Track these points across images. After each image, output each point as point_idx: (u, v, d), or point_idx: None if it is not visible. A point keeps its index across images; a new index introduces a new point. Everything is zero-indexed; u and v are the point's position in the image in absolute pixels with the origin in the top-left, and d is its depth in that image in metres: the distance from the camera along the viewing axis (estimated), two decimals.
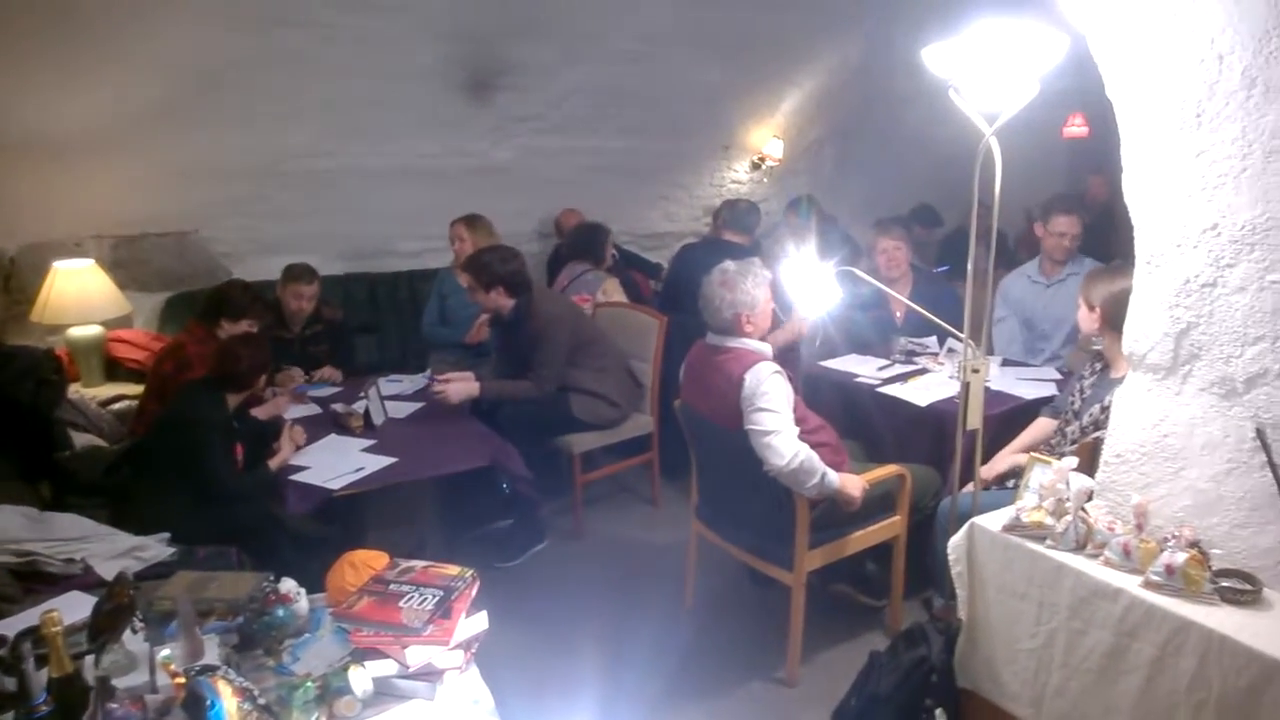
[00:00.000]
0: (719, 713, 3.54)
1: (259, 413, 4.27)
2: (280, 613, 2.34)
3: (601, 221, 6.41)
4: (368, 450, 4.12)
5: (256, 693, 2.00)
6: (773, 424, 3.37)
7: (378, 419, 4.44)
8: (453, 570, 2.53)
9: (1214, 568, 2.40)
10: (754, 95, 7.93)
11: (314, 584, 2.54)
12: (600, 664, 3.76)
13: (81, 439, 4.47)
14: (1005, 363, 4.79)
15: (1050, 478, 2.73)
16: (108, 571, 2.98)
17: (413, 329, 6.22)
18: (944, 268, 6.92)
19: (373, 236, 6.92)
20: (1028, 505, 2.75)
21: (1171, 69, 2.34)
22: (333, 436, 4.30)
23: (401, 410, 4.69)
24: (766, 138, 8.37)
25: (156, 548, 3.30)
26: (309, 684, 2.10)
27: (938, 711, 2.94)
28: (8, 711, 1.99)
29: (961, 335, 3.07)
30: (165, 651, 2.16)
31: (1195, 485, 2.52)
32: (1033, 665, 2.74)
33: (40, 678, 1.99)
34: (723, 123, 8.06)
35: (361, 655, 2.22)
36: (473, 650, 2.34)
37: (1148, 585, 2.40)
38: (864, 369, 4.77)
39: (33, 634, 2.10)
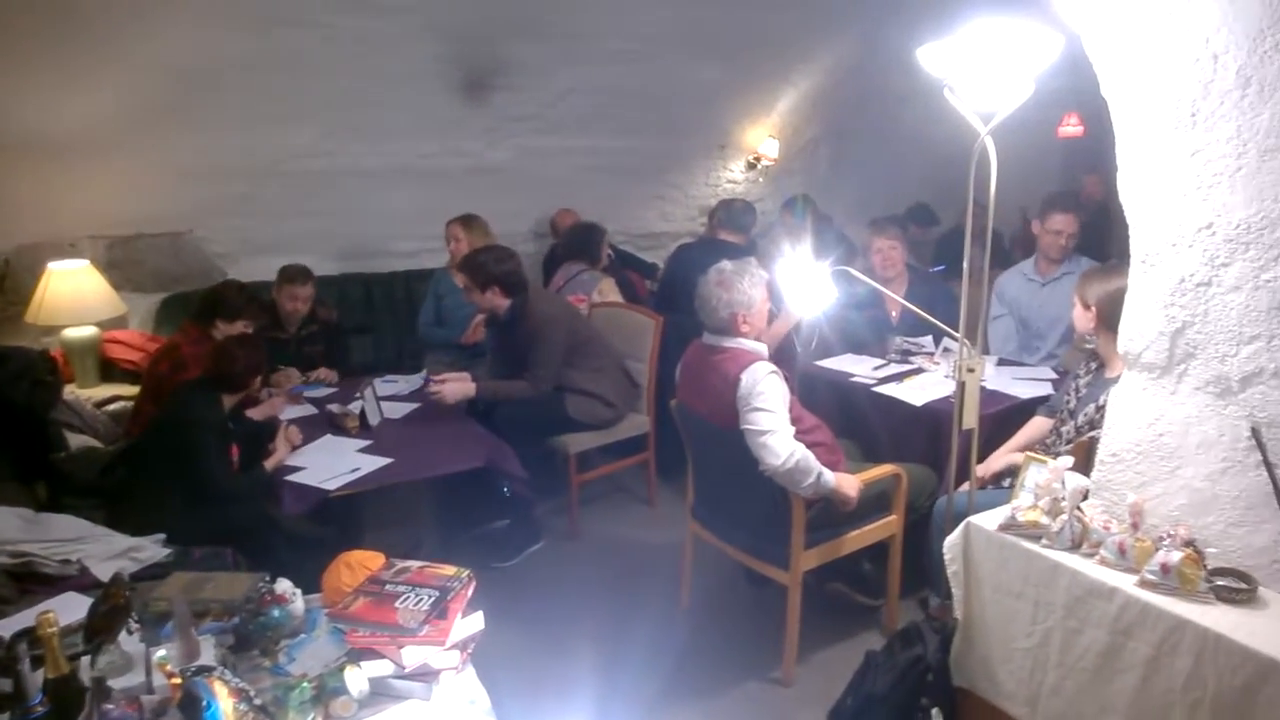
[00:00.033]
0: (715, 713, 3.54)
1: (254, 413, 4.26)
2: (276, 613, 2.34)
3: (597, 221, 6.40)
4: (363, 451, 4.12)
5: (252, 693, 2.00)
6: (768, 424, 3.37)
7: (373, 419, 4.44)
8: (449, 570, 2.53)
9: (1209, 566, 2.41)
10: (749, 95, 7.94)
11: (310, 584, 2.54)
12: (596, 664, 3.76)
13: (77, 440, 4.46)
14: (1001, 362, 4.79)
15: (1046, 477, 2.74)
16: (103, 572, 2.97)
17: (408, 329, 6.22)
18: (940, 267, 6.93)
19: (368, 236, 6.92)
20: (1023, 504, 2.75)
21: (1166, 68, 2.34)
22: (328, 437, 4.29)
23: (397, 411, 4.69)
24: (762, 137, 8.37)
25: (152, 549, 3.29)
26: (305, 684, 2.10)
27: (934, 711, 2.94)
28: (4, 712, 1.98)
29: (957, 335, 3.07)
30: (161, 652, 2.16)
31: (1190, 484, 2.52)
32: (1028, 664, 2.74)
33: (36, 678, 1.99)
34: (718, 122, 8.06)
35: (357, 655, 2.22)
36: (469, 650, 2.34)
37: (1143, 584, 2.40)
38: (859, 368, 4.77)
39: (28, 635, 2.10)
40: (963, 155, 2.93)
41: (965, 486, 3.28)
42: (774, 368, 3.49)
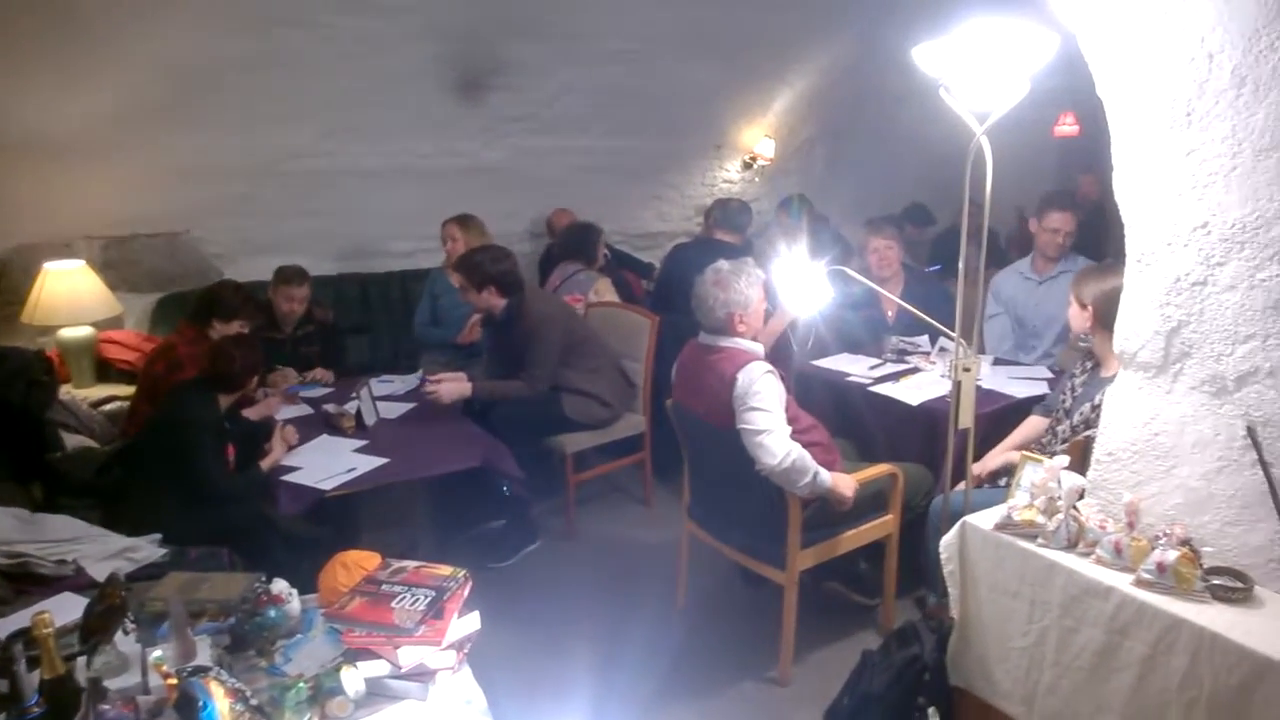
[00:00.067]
0: (711, 713, 3.54)
1: (250, 413, 4.26)
2: (272, 613, 2.34)
3: (593, 221, 6.40)
4: (359, 451, 4.12)
5: (249, 693, 2.00)
6: (765, 423, 3.37)
7: (369, 419, 4.44)
8: (445, 570, 2.53)
9: (1205, 565, 2.41)
10: (745, 95, 7.94)
11: (306, 585, 2.54)
12: (592, 664, 3.76)
13: (73, 440, 4.46)
14: (997, 361, 4.80)
15: (1042, 476, 2.74)
16: (99, 573, 2.97)
17: (404, 329, 6.21)
18: (936, 267, 6.93)
19: (365, 236, 6.91)
20: (1019, 504, 2.75)
21: (1161, 68, 2.34)
22: (324, 437, 4.29)
23: (393, 411, 4.68)
24: (758, 137, 8.38)
25: (148, 549, 3.29)
26: (301, 685, 2.10)
27: (930, 710, 2.94)
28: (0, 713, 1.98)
29: (953, 334, 3.07)
30: (157, 653, 2.16)
31: (1186, 483, 2.52)
32: (1025, 663, 2.74)
33: (32, 679, 1.99)
34: (714, 122, 8.06)
35: (354, 656, 2.22)
36: (465, 651, 2.34)
37: (1139, 583, 2.40)
38: (856, 368, 4.78)
39: (24, 635, 2.10)
40: (958, 155, 2.93)
41: (961, 486, 3.28)
42: (770, 367, 3.49)
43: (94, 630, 2.25)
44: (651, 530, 4.98)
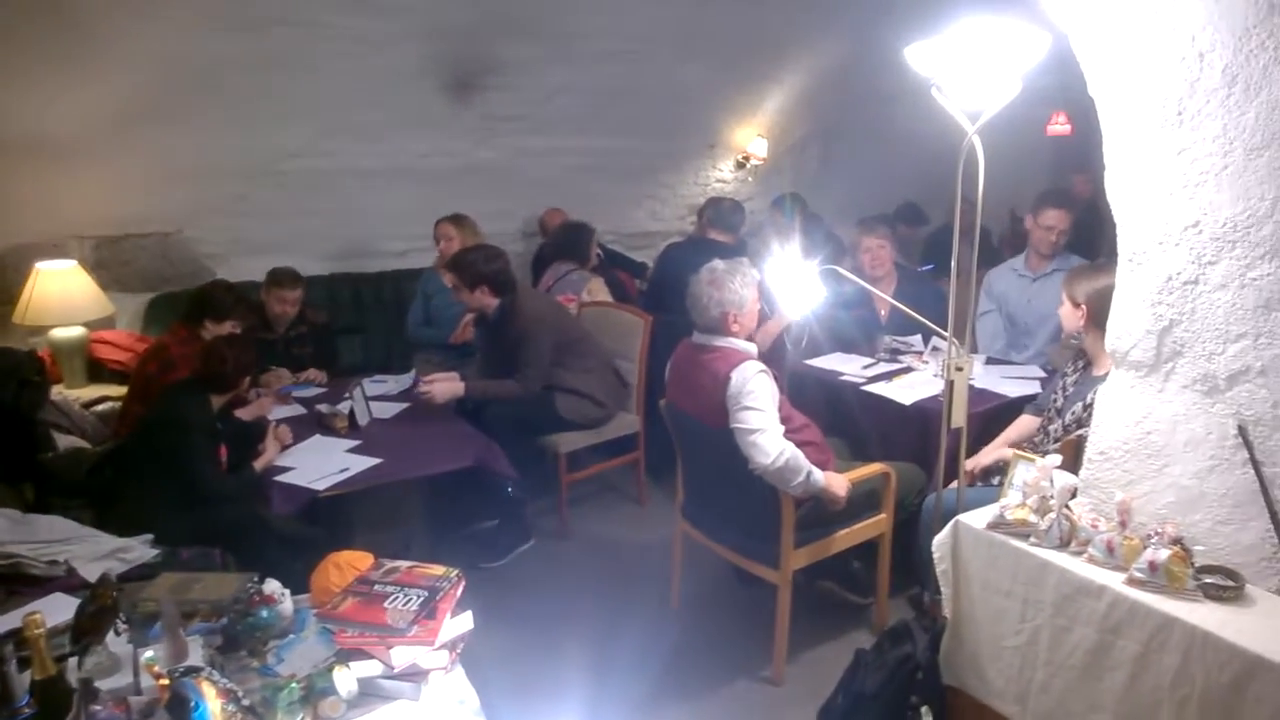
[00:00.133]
0: (705, 712, 3.54)
1: (243, 414, 4.26)
2: (264, 614, 2.34)
3: (586, 221, 6.40)
4: (352, 451, 4.11)
5: (241, 694, 1.99)
6: (758, 422, 3.37)
7: (362, 419, 4.43)
8: (437, 570, 2.53)
9: (1197, 564, 2.41)
10: (738, 94, 7.94)
11: (298, 585, 2.53)
12: (586, 664, 3.75)
13: (65, 440, 4.45)
14: (989, 361, 4.80)
15: (1034, 475, 2.74)
16: (91, 573, 2.97)
17: (397, 329, 6.21)
18: (929, 266, 6.94)
19: (357, 237, 6.89)
20: (1012, 503, 2.76)
21: (1153, 67, 2.35)
22: (317, 437, 4.29)
23: (386, 411, 4.68)
24: (751, 136, 8.38)
25: (140, 549, 3.28)
26: (294, 685, 2.09)
27: (923, 709, 2.95)
28: None
29: (945, 333, 3.08)
30: (149, 653, 2.15)
31: (1178, 482, 2.53)
32: (1017, 662, 2.74)
33: (23, 680, 1.98)
34: (707, 122, 8.06)
35: (346, 656, 2.22)
36: (458, 650, 2.34)
37: (1131, 582, 2.41)
38: (849, 367, 4.78)
39: (15, 636, 2.10)
40: (951, 154, 2.93)
41: (954, 485, 3.29)
42: (763, 367, 3.49)
43: (85, 631, 2.25)
44: (645, 530, 4.98)
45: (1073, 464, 2.82)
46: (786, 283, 3.42)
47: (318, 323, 5.45)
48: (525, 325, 4.71)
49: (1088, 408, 3.27)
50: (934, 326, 3.34)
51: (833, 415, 4.49)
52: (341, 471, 3.89)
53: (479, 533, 4.78)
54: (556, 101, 6.85)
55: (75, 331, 5.22)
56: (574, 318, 5.34)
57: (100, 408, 4.96)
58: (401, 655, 2.24)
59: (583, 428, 4.95)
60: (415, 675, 2.22)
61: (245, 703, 1.98)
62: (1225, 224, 2.31)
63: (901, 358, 4.83)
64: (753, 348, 3.60)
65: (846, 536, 3.73)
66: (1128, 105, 2.44)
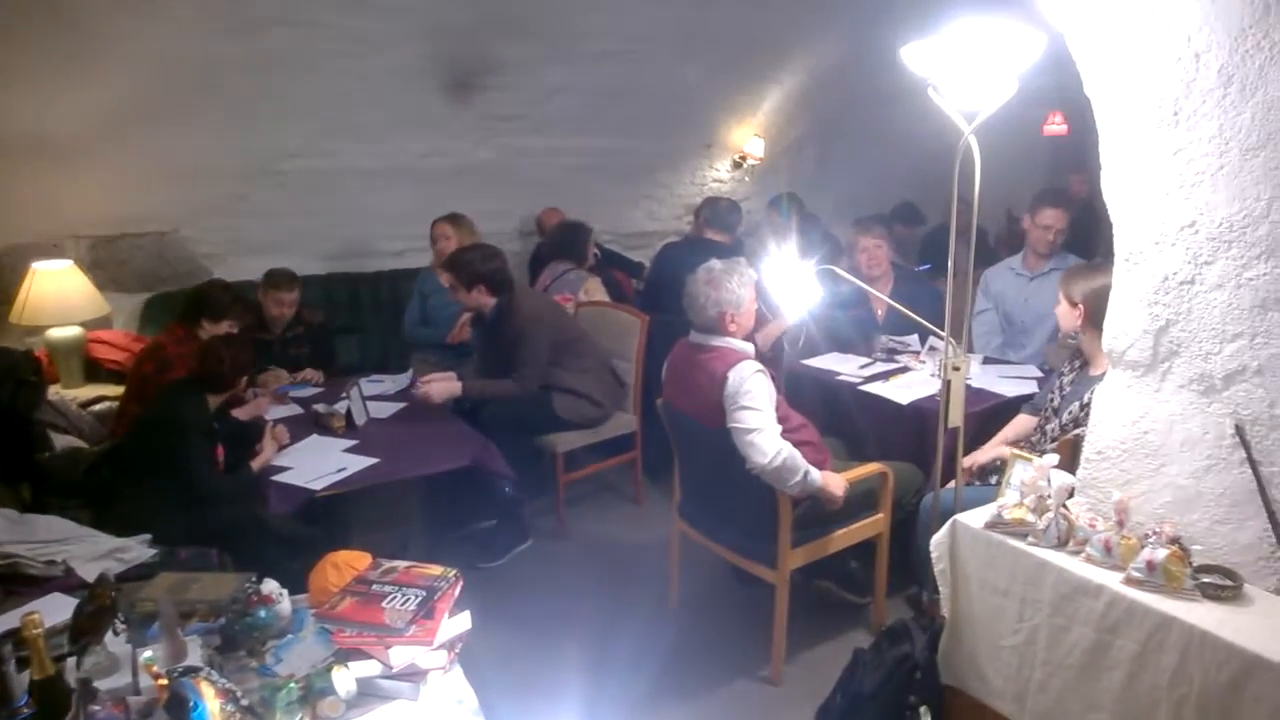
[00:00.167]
0: (704, 712, 3.54)
1: (240, 413, 4.25)
2: (263, 614, 2.33)
3: (583, 220, 6.40)
4: (350, 451, 4.11)
5: (239, 694, 1.99)
6: (755, 422, 3.38)
7: (359, 419, 4.43)
8: (435, 570, 2.53)
9: (1194, 564, 2.42)
10: (735, 94, 7.94)
11: (296, 585, 2.53)
12: (584, 663, 3.76)
13: (62, 440, 4.45)
14: (986, 360, 4.81)
15: (1031, 475, 2.75)
16: (89, 573, 2.97)
17: (394, 329, 6.21)
18: (925, 266, 6.93)
19: (355, 237, 6.89)
20: (1009, 502, 2.77)
21: (1149, 67, 2.35)
22: (315, 437, 4.29)
23: (384, 410, 4.68)
24: (748, 136, 8.37)
25: (138, 549, 3.28)
26: (292, 685, 2.09)
27: (922, 709, 2.95)
28: None
29: (942, 333, 3.08)
30: (147, 653, 2.15)
31: (1175, 482, 2.53)
32: (1015, 662, 2.75)
33: (21, 680, 1.98)
34: (704, 121, 8.06)
35: (345, 656, 2.22)
36: (456, 650, 2.34)
37: (1129, 582, 2.41)
38: (845, 367, 4.78)
39: (14, 636, 2.09)
40: (947, 154, 2.94)
41: (951, 484, 3.29)
42: (760, 366, 3.49)
43: (84, 631, 2.25)
44: (643, 529, 4.98)
45: (1070, 463, 2.82)
46: (783, 283, 3.42)
47: (314, 323, 5.45)
48: (522, 325, 4.70)
49: (1085, 407, 3.27)
50: (931, 326, 3.34)
51: (830, 415, 4.49)
52: (339, 471, 3.88)
53: (477, 532, 4.78)
54: (555, 101, 6.84)
55: (72, 331, 5.22)
56: (571, 317, 5.34)
57: (97, 407, 4.95)
58: (400, 655, 2.24)
59: (580, 427, 4.94)
60: (413, 675, 2.22)
61: (244, 703, 1.98)
62: (1221, 224, 2.31)
63: (898, 357, 4.84)
64: (750, 347, 3.61)
65: (844, 536, 3.74)
66: (1124, 105, 2.45)
